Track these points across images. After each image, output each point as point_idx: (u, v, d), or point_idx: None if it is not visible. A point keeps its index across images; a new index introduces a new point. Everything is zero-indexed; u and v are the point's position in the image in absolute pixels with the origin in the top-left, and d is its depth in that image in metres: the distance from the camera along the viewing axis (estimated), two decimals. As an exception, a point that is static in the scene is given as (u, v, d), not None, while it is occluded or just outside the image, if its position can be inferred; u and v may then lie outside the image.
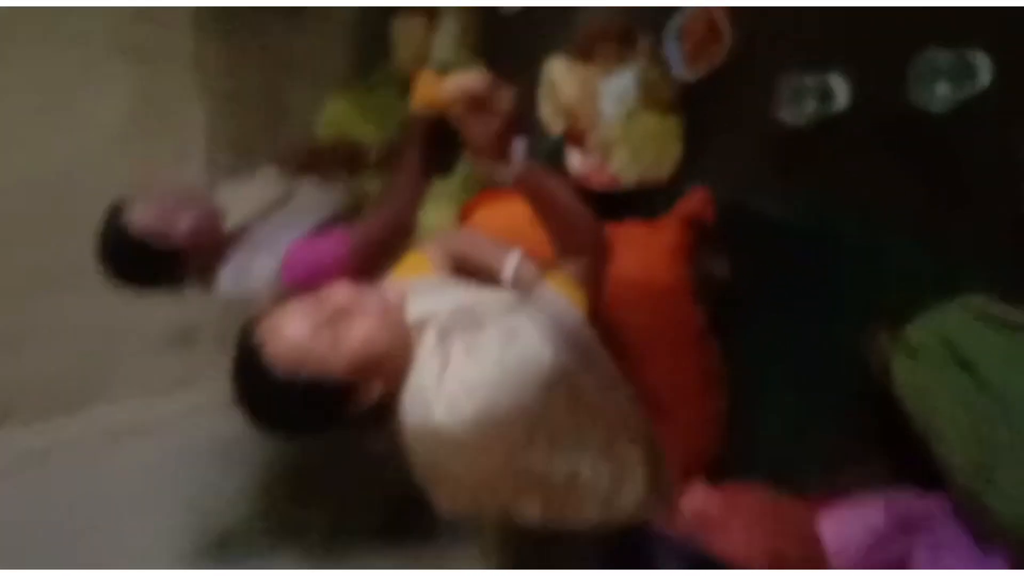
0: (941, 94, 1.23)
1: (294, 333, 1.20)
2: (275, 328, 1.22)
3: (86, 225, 1.82)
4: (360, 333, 1.22)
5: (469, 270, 1.55)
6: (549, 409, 1.24)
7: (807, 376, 1.52)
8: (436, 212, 2.06)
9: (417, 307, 1.37)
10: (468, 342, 1.26)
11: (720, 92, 1.58)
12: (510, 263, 1.43)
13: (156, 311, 2.72)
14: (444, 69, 2.16)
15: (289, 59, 2.89)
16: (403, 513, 2.14)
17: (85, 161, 2.70)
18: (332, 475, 2.36)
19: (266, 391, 1.21)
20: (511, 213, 1.67)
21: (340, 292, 1.26)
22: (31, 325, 2.67)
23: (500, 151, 1.25)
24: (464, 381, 1.21)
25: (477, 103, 1.21)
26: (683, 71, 1.60)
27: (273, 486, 2.45)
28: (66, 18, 2.65)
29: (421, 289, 1.44)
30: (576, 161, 1.84)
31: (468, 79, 1.21)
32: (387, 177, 2.16)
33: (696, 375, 1.51)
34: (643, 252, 1.46)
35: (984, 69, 1.21)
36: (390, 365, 1.25)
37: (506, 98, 1.21)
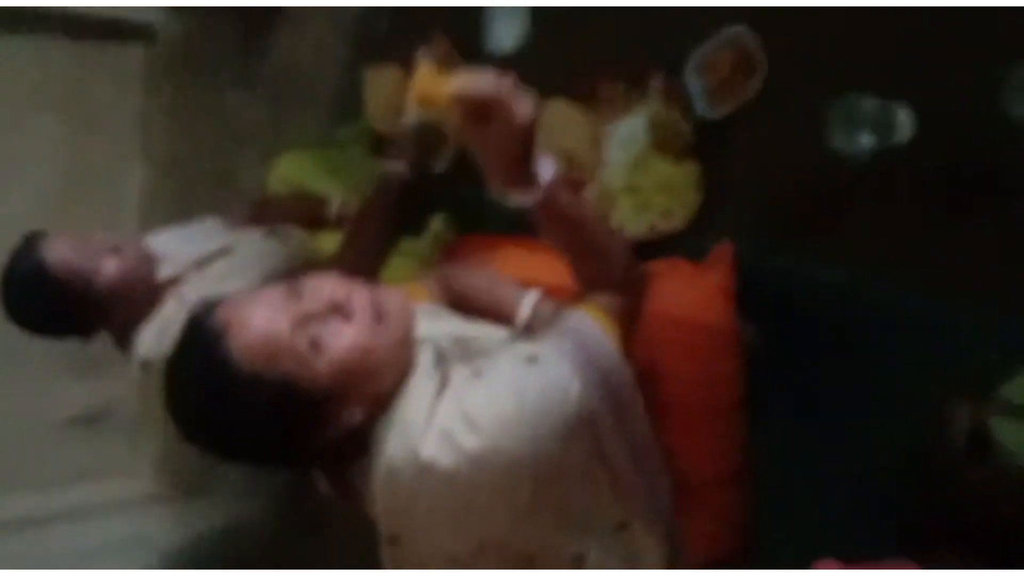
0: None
1: (268, 323, 0.94)
2: (242, 314, 0.96)
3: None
4: (351, 338, 0.96)
5: (470, 311, 1.31)
6: (565, 466, 0.99)
7: (848, 464, 1.30)
8: (400, 273, 1.82)
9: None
10: (474, 367, 1.01)
11: (745, 130, 1.41)
12: (527, 302, 1.19)
13: (60, 388, 2.39)
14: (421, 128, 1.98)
15: (241, 127, 2.68)
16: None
17: (5, 223, 2.41)
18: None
19: (221, 389, 0.94)
20: (507, 257, 1.46)
21: (330, 285, 1.00)
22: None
23: (518, 170, 1.00)
24: (467, 411, 0.96)
25: (489, 109, 0.96)
26: (707, 109, 1.44)
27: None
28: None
29: (420, 310, 1.19)
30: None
31: (479, 78, 0.97)
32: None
33: (733, 450, 1.27)
34: (688, 287, 1.26)
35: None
36: (375, 387, 0.99)
37: (526, 104, 0.97)
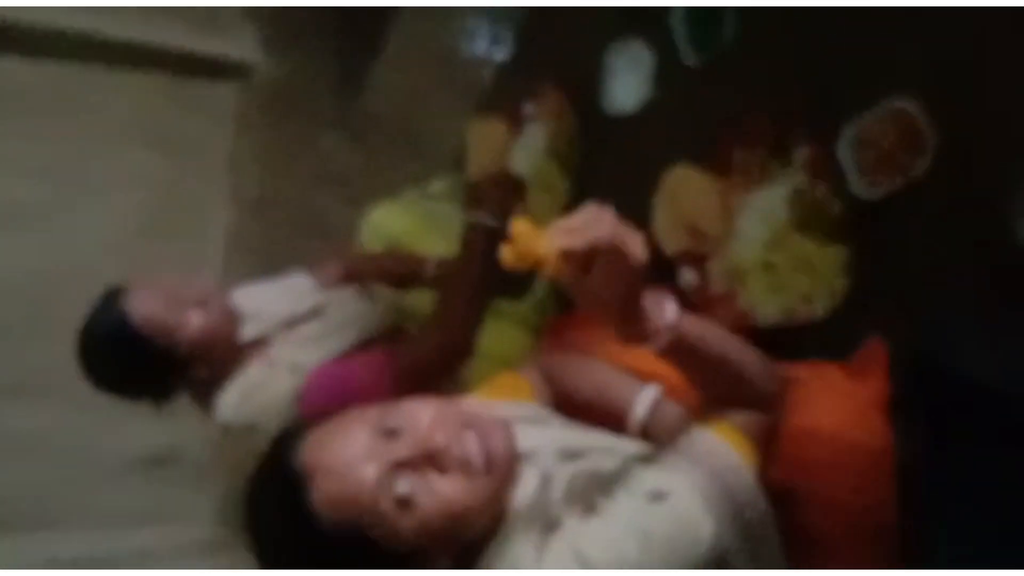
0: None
1: (354, 476, 0.83)
2: (327, 459, 0.85)
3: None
4: (448, 501, 0.84)
5: (577, 409, 1.17)
6: None
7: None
8: (502, 340, 1.70)
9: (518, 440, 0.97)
10: (587, 501, 0.89)
11: (912, 210, 1.25)
12: (644, 400, 1.06)
13: (130, 428, 2.31)
14: (536, 185, 1.86)
15: (332, 171, 2.61)
16: None
17: (86, 258, 2.36)
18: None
19: (299, 536, 0.85)
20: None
21: (431, 422, 0.87)
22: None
23: (634, 314, 0.86)
24: (582, 554, 0.84)
25: (592, 259, 0.81)
26: (862, 188, 1.28)
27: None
28: (86, 90, 2.37)
29: (524, 417, 1.06)
30: (691, 286, 1.50)
31: (582, 225, 0.81)
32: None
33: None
34: (837, 398, 1.09)
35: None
36: (467, 537, 0.88)
37: (638, 243, 0.83)
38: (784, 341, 1.36)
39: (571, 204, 1.79)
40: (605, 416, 1.10)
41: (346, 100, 2.49)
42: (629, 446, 1.06)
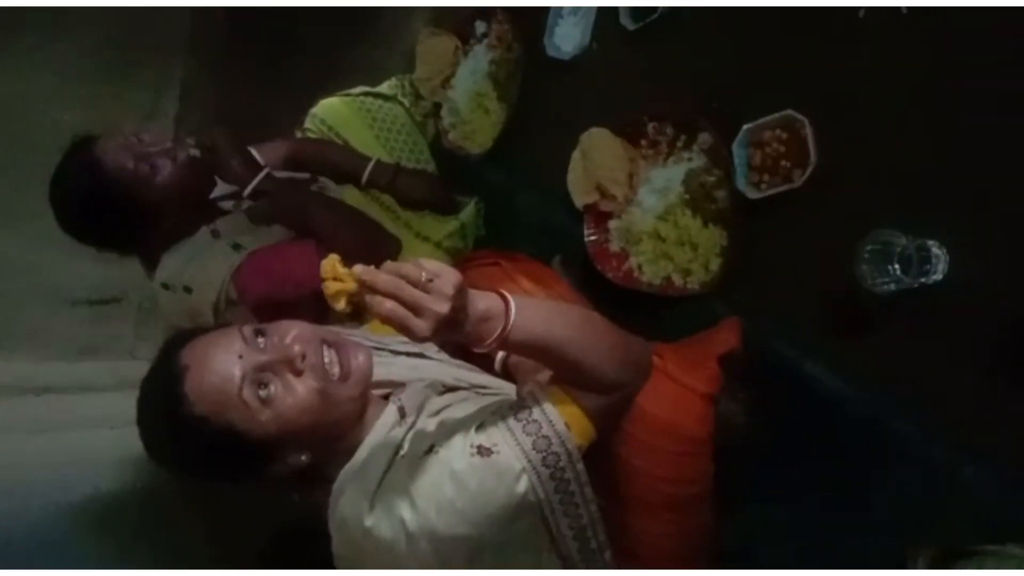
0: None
1: (224, 373, 1.01)
2: (204, 357, 1.02)
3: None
4: (300, 398, 1.02)
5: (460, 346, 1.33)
6: (506, 541, 1.06)
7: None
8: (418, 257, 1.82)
9: (383, 370, 1.17)
10: (430, 441, 1.05)
11: (787, 217, 1.37)
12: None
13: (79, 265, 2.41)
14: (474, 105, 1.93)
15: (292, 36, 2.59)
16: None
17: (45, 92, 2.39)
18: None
19: (172, 426, 1.03)
20: (525, 289, 1.45)
21: (289, 337, 1.04)
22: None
23: (462, 332, 0.94)
24: (410, 489, 1.02)
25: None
26: (745, 186, 1.39)
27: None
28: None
29: (405, 351, 1.23)
30: (591, 241, 1.63)
31: (383, 281, 0.88)
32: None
33: (693, 542, 1.30)
34: (677, 392, 1.24)
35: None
36: (324, 436, 1.05)
37: (418, 328, 0.88)
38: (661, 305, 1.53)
39: (506, 132, 1.88)
40: (482, 355, 1.24)
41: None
42: (493, 389, 1.23)
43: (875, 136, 1.27)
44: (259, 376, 1.01)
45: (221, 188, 1.69)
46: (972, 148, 1.16)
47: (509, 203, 1.88)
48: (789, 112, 1.33)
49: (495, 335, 0.95)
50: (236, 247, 1.63)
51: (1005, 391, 1.13)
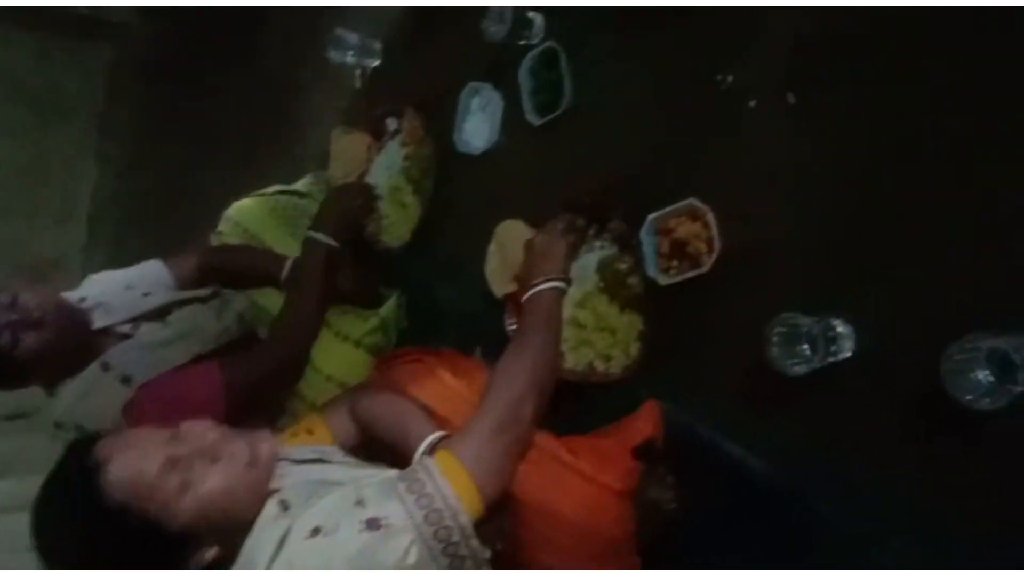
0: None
1: (142, 463, 1.04)
2: (124, 448, 1.05)
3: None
4: (218, 483, 1.06)
5: (380, 445, 1.33)
6: None
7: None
8: (340, 362, 1.80)
9: (276, 482, 1.17)
10: (316, 523, 1.05)
11: (701, 302, 1.40)
12: (424, 446, 1.24)
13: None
14: (390, 199, 1.95)
15: (203, 136, 2.60)
16: None
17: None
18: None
19: (88, 519, 1.03)
20: (446, 384, 1.44)
21: (203, 431, 1.11)
22: None
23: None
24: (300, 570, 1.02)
25: None
26: (655, 272, 1.43)
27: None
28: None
29: (295, 458, 1.25)
30: (512, 331, 1.63)
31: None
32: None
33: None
34: (592, 493, 1.23)
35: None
36: (235, 524, 1.08)
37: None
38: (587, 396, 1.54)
39: (424, 225, 1.90)
40: (401, 455, 1.28)
41: (227, 72, 2.48)
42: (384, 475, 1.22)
43: (775, 219, 1.32)
44: (179, 463, 1.05)
45: (107, 318, 1.65)
46: (870, 225, 1.21)
47: (430, 295, 1.89)
48: (692, 201, 1.37)
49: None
50: (125, 380, 1.56)
51: (922, 462, 1.16)
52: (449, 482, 1.08)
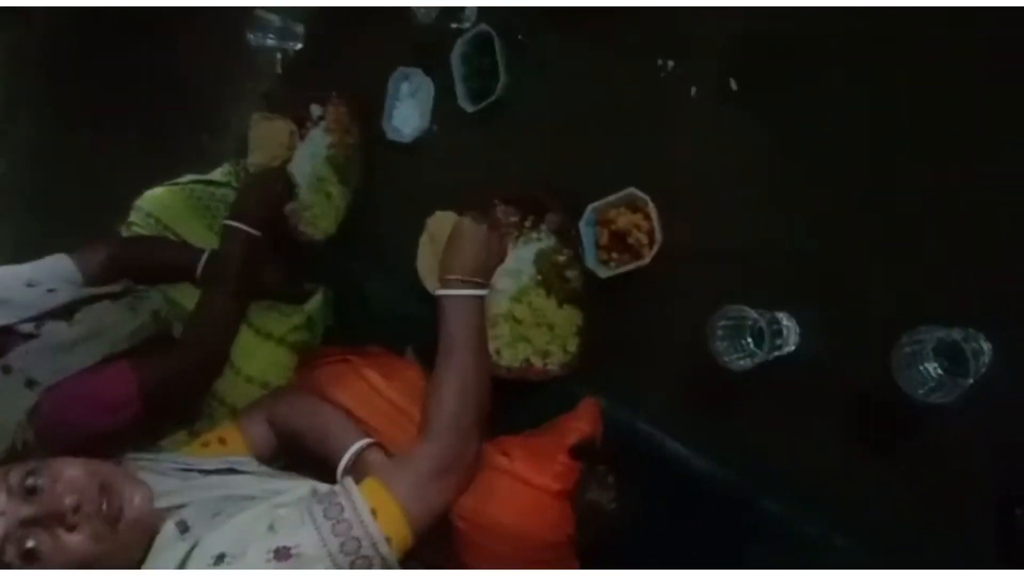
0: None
1: None
2: None
3: None
4: (71, 555, 0.96)
5: (301, 451, 1.25)
6: None
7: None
8: (262, 363, 1.69)
9: (182, 496, 1.11)
10: (220, 549, 0.98)
11: (642, 295, 1.36)
12: (349, 454, 1.18)
13: None
14: (314, 188, 1.85)
15: (115, 129, 2.44)
16: None
17: None
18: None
19: None
20: (374, 386, 1.37)
21: (67, 483, 0.98)
22: None
23: None
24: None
25: None
26: (595, 264, 1.38)
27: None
28: None
29: (205, 468, 1.18)
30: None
31: None
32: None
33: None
34: (527, 496, 1.18)
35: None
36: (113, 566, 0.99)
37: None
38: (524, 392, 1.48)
39: (351, 217, 1.81)
40: (321, 462, 1.22)
41: (134, 59, 2.34)
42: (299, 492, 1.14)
43: (719, 211, 1.28)
44: (24, 533, 0.95)
45: (8, 316, 1.52)
46: (814, 220, 1.18)
47: (359, 291, 1.80)
48: (632, 190, 1.33)
49: None
50: (30, 384, 1.43)
51: (865, 461, 1.14)
52: (370, 510, 1.03)
